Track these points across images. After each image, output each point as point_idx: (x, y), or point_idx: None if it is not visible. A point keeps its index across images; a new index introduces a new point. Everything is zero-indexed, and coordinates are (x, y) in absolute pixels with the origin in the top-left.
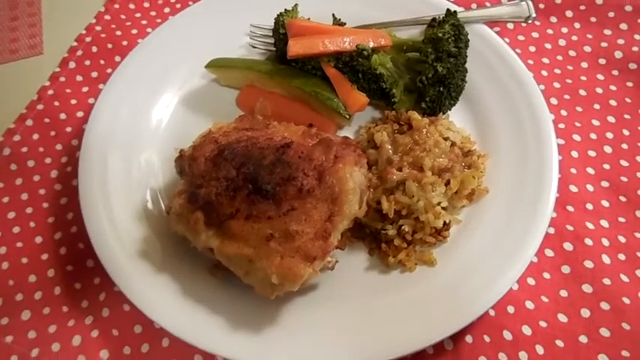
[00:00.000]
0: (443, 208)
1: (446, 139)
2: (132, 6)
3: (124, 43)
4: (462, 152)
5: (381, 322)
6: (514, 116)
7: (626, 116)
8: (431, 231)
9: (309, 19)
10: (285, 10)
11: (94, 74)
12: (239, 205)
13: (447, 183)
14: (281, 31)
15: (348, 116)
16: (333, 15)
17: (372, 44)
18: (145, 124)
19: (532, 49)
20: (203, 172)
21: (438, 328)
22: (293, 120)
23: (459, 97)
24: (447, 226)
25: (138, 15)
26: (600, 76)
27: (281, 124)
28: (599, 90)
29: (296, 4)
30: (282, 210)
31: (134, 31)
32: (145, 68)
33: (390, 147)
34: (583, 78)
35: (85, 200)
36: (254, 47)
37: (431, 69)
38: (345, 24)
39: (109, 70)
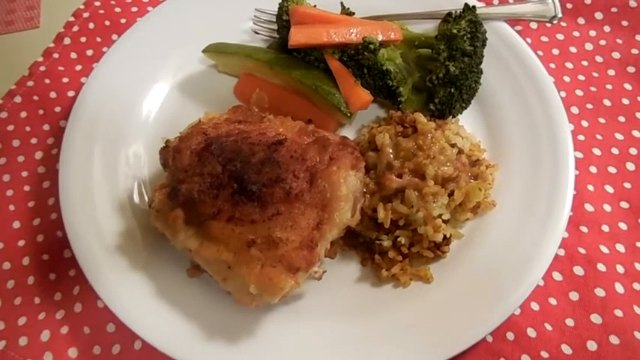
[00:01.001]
0: (444, 221)
1: (453, 145)
2: None
3: (123, 21)
4: (470, 161)
5: (368, 340)
6: (529, 124)
7: None
8: (429, 245)
9: (315, 6)
10: None
11: (89, 52)
12: (221, 205)
13: (451, 194)
14: (284, 17)
15: (349, 114)
16: (342, 4)
17: (380, 37)
18: (136, 110)
19: (555, 51)
20: (187, 166)
21: (429, 352)
22: (291, 114)
23: (472, 100)
24: (447, 240)
25: None
26: (628, 86)
27: (277, 118)
28: (625, 101)
29: None
30: (267, 214)
31: (134, 9)
32: (140, 50)
33: (391, 151)
34: (609, 87)
35: (64, 186)
36: (257, 33)
37: (442, 68)
38: (354, 14)
39: (104, 49)
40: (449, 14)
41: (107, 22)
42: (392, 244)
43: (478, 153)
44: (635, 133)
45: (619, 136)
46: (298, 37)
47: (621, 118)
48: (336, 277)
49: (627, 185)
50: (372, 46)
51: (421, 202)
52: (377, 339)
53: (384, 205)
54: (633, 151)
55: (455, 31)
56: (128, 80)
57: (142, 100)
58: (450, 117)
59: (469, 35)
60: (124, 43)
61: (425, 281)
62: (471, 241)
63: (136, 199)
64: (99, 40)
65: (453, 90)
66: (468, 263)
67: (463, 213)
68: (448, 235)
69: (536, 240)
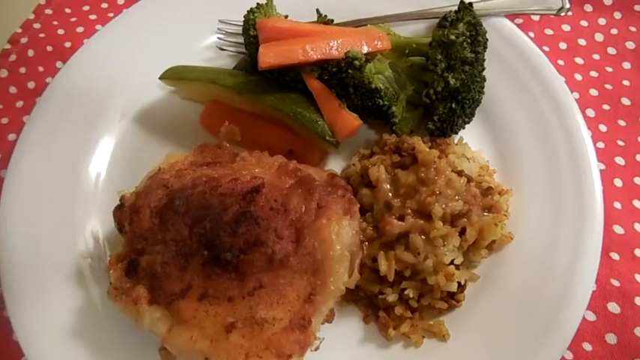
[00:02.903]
0: (456, 267)
1: (460, 173)
2: None
3: (67, 44)
4: (481, 190)
5: None
6: (542, 135)
7: None
8: (442, 295)
9: (286, 16)
10: (258, 4)
11: (31, 85)
12: (191, 280)
13: (462, 232)
14: (251, 32)
15: (335, 143)
16: (318, 10)
17: (365, 48)
18: (87, 152)
19: (562, 46)
20: (146, 232)
21: None
22: (268, 147)
23: (475, 113)
24: (462, 288)
25: (86, 8)
26: None
27: (252, 154)
28: None
29: None
30: (246, 288)
31: (80, 29)
32: (89, 78)
33: (388, 187)
34: (626, 82)
35: (5, 253)
36: (222, 49)
37: (441, 81)
38: (332, 21)
39: (48, 80)
40: (444, 18)
41: (49, 48)
42: (398, 298)
43: (488, 177)
44: None
45: None
46: (269, 57)
47: None
48: (335, 339)
49: None
50: (357, 63)
51: (429, 247)
52: None
53: (385, 253)
54: None
55: (453, 37)
56: (75, 116)
57: (95, 138)
58: (452, 135)
59: (469, 40)
60: (69, 72)
61: (440, 338)
62: (489, 282)
63: (97, 264)
64: (41, 69)
65: (454, 105)
66: (488, 311)
67: (477, 252)
68: (463, 282)
69: (564, 277)
